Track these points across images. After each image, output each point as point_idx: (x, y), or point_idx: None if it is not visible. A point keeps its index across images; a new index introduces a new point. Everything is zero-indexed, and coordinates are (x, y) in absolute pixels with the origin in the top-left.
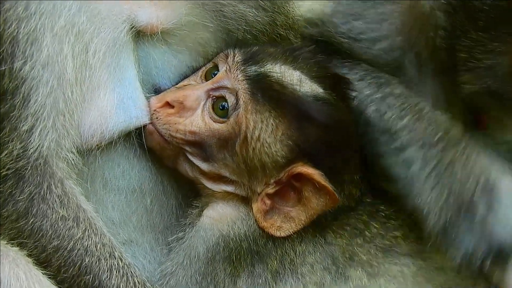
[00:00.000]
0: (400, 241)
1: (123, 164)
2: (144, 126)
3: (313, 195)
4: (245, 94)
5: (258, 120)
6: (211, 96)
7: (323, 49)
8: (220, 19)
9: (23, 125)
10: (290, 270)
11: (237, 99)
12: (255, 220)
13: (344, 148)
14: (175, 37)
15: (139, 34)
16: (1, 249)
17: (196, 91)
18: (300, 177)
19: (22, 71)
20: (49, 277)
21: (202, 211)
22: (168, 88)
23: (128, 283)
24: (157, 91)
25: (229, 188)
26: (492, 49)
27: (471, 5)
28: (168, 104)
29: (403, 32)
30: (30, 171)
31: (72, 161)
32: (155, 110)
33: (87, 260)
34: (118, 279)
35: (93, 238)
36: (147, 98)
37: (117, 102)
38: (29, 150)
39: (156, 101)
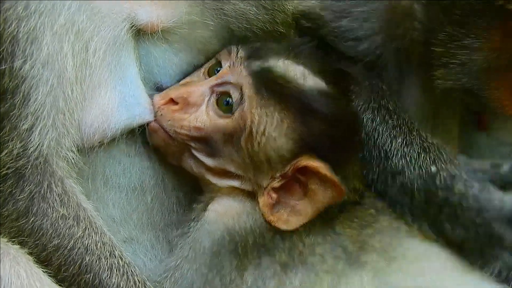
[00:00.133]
0: (416, 232)
1: (124, 162)
2: (147, 123)
3: (319, 188)
4: (250, 89)
5: (263, 115)
6: (215, 91)
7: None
8: (221, 17)
9: (23, 124)
10: (299, 261)
11: (241, 94)
12: (262, 214)
13: (348, 142)
14: (175, 35)
15: (140, 33)
16: (2, 247)
17: (200, 87)
18: (305, 170)
19: (22, 70)
20: (50, 275)
21: (207, 206)
22: (171, 86)
23: (128, 281)
24: (159, 89)
25: (235, 183)
26: (467, 45)
27: None
28: (172, 101)
29: (386, 29)
30: (30, 170)
31: (72, 160)
32: (159, 107)
33: (87, 259)
34: (118, 278)
35: (93, 237)
36: (150, 96)
37: (119, 100)
38: (29, 149)
39: (160, 98)
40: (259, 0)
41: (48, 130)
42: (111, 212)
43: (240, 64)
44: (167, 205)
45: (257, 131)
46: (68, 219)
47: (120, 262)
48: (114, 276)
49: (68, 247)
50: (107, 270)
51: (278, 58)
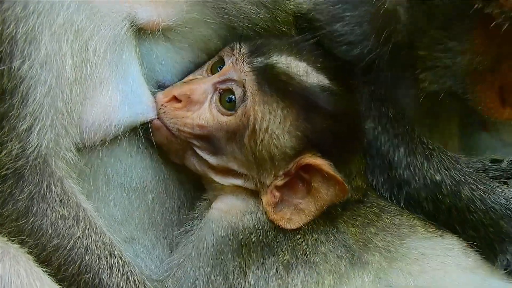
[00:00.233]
0: (419, 229)
1: (126, 162)
2: (150, 121)
3: (322, 185)
4: (252, 85)
5: (266, 112)
6: (218, 89)
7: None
8: (222, 16)
9: (21, 124)
10: (303, 260)
11: (244, 91)
12: (265, 213)
13: (351, 139)
14: (177, 34)
15: (141, 32)
16: (2, 246)
17: (203, 85)
18: (308, 168)
19: (21, 70)
20: (50, 275)
21: (211, 204)
22: (173, 84)
23: (128, 281)
24: (161, 87)
25: (238, 182)
26: (450, 48)
27: (429, 1)
28: (175, 99)
29: (376, 33)
30: (30, 171)
31: (72, 160)
32: (162, 105)
33: (87, 259)
34: (118, 278)
35: (93, 237)
36: (152, 94)
37: (121, 98)
38: (28, 150)
39: (162, 96)
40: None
41: (47, 131)
42: (113, 212)
43: (243, 61)
44: (168, 205)
45: (260, 128)
46: (68, 219)
47: (120, 261)
48: (113, 275)
49: (68, 247)
50: (107, 269)
51: (280, 54)
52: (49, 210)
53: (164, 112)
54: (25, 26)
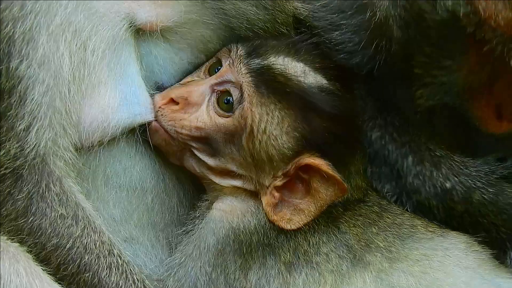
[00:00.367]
0: (420, 229)
1: (125, 161)
2: (149, 123)
3: (321, 185)
4: (250, 87)
5: (263, 113)
6: (216, 90)
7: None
8: (221, 16)
9: (19, 124)
10: (304, 260)
11: (241, 93)
12: (265, 213)
13: (350, 139)
14: (175, 34)
15: (140, 32)
16: (1, 244)
17: (200, 87)
18: (307, 168)
19: (19, 70)
20: (49, 273)
21: (212, 204)
22: (171, 85)
23: (127, 280)
24: (160, 88)
25: (237, 183)
26: (446, 66)
27: (422, 21)
28: (173, 101)
29: (371, 42)
30: (28, 170)
31: (70, 160)
32: (160, 107)
33: (86, 258)
34: (117, 277)
35: (92, 236)
36: (151, 96)
37: (119, 98)
38: (26, 149)
39: (160, 98)
40: (259, 0)
41: (45, 130)
42: (112, 212)
43: (240, 63)
44: (167, 205)
45: (258, 130)
46: (67, 218)
47: (119, 261)
48: (113, 274)
49: (67, 246)
50: (106, 269)
51: (278, 55)
52: (48, 209)
53: (162, 115)
54: (23, 26)
